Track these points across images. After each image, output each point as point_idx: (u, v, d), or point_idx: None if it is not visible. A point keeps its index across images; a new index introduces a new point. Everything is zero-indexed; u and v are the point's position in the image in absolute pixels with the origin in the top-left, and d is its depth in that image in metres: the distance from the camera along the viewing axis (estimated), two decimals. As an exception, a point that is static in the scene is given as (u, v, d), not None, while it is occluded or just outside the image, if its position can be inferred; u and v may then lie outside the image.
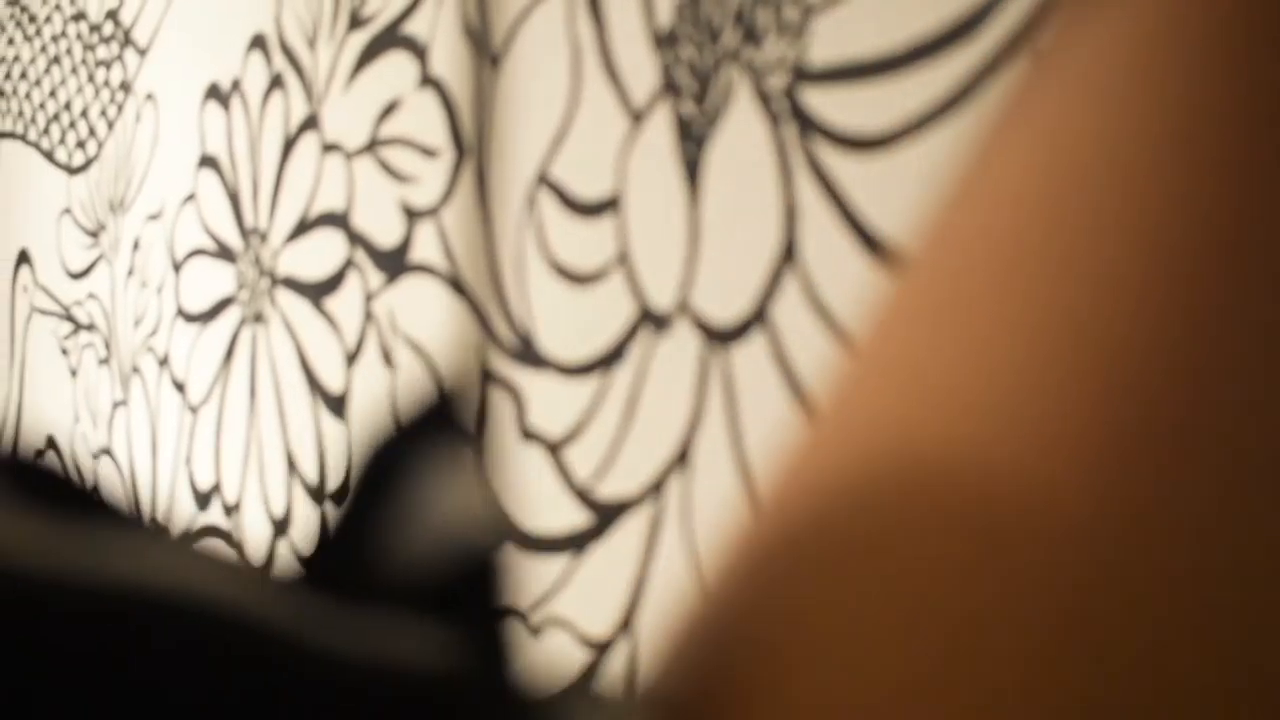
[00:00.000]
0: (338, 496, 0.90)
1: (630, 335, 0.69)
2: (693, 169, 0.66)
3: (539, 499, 0.74)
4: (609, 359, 0.70)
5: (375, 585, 0.22)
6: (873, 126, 0.58)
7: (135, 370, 1.16)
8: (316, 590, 0.22)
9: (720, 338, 0.65)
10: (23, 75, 1.44)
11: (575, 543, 0.71)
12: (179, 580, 0.20)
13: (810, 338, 0.60)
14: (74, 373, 1.28)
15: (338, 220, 0.91)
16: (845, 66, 0.60)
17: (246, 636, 0.19)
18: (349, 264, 0.89)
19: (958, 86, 0.56)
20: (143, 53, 1.18)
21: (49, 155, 1.37)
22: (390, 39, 0.87)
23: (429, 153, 0.83)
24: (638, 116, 0.69)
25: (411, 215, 0.84)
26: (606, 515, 0.70)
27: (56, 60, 1.36)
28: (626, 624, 0.69)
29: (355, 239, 0.89)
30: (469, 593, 0.22)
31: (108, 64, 1.25)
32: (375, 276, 0.87)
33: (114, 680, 0.18)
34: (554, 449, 0.73)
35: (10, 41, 1.47)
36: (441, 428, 0.24)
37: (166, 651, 0.19)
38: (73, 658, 0.18)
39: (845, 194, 0.59)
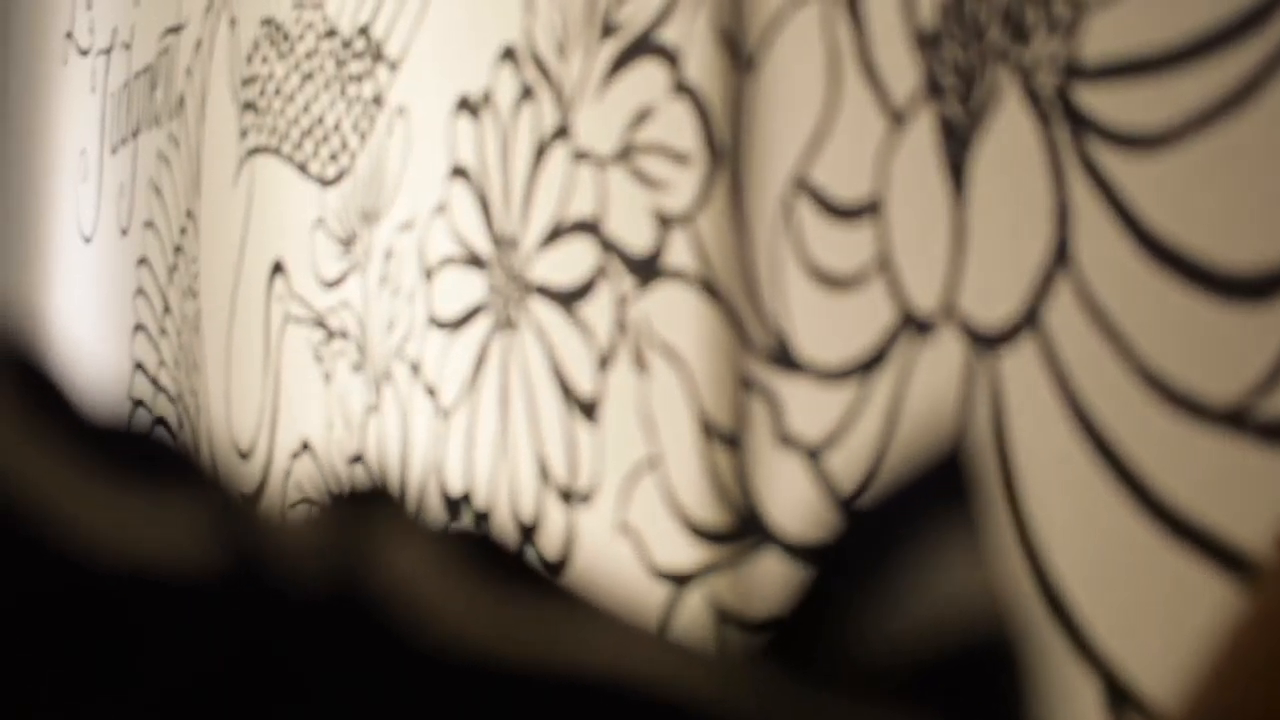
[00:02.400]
0: (586, 498, 0.92)
1: (892, 339, 0.68)
2: (957, 170, 0.65)
3: (797, 505, 0.73)
4: (869, 363, 0.69)
5: (851, 668, 0.20)
6: (1152, 125, 0.57)
7: (387, 376, 1.20)
8: (780, 671, 0.20)
9: (987, 342, 0.63)
10: (277, 92, 1.50)
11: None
12: (632, 664, 0.19)
13: (1086, 342, 0.59)
14: (327, 379, 1.33)
15: (589, 227, 0.92)
16: (1122, 63, 0.58)
17: None
18: (601, 270, 0.90)
19: (1244, 82, 0.54)
20: (394, 67, 1.22)
21: (302, 168, 1.42)
22: (643, 47, 0.88)
23: (682, 159, 0.83)
24: (898, 118, 0.69)
25: (664, 222, 0.85)
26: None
27: (310, 76, 1.41)
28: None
29: (607, 246, 0.90)
30: (972, 689, 0.20)
31: (359, 79, 1.29)
32: (627, 283, 0.88)
33: None
34: (813, 455, 0.73)
35: (264, 60, 1.53)
36: (948, 496, 0.21)
37: None
38: None
39: (1123, 194, 0.58)
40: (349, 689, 0.18)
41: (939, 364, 0.66)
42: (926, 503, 0.22)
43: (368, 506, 0.21)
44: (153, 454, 0.21)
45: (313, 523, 0.20)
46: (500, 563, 0.20)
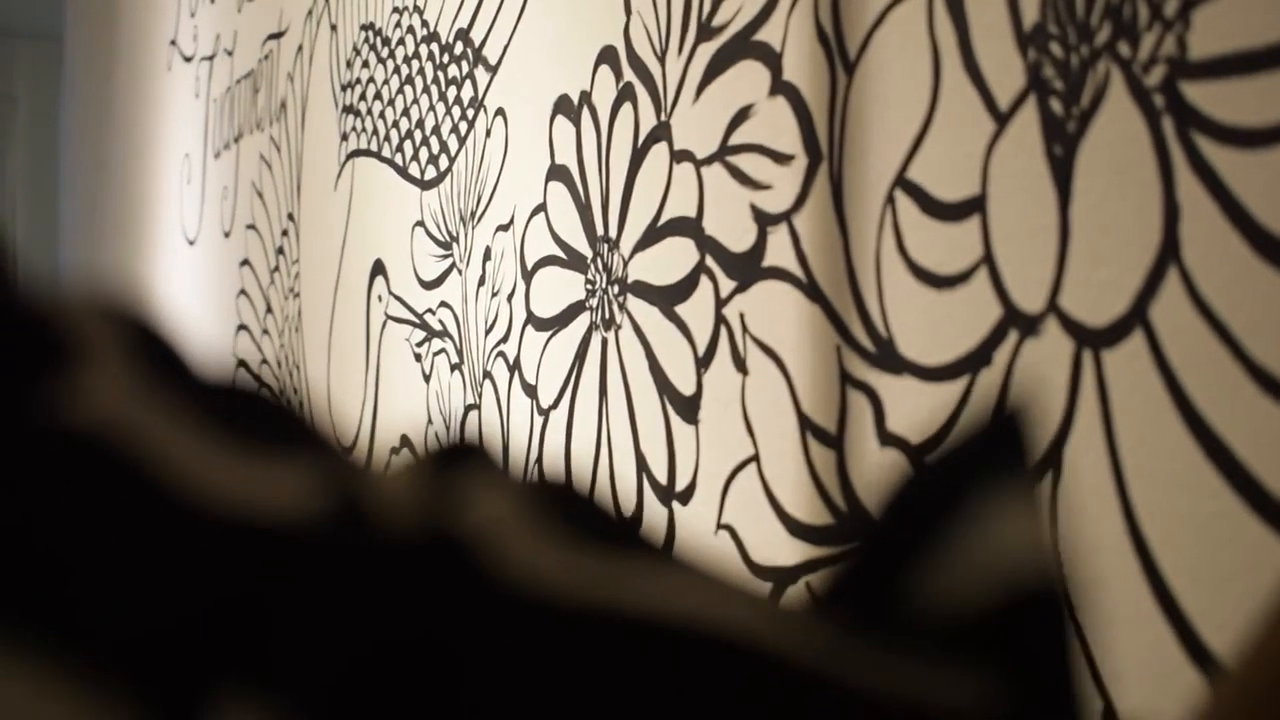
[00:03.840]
0: (685, 496, 0.92)
1: (996, 338, 0.68)
2: (1062, 168, 0.65)
3: (899, 503, 0.73)
4: (973, 363, 0.69)
5: (907, 620, 0.21)
6: (1264, 120, 0.56)
7: (487, 375, 1.21)
8: (841, 622, 0.22)
9: (1093, 341, 0.63)
10: (377, 96, 1.53)
11: (938, 548, 0.71)
12: (703, 610, 0.20)
13: (1195, 340, 0.58)
14: (426, 377, 1.35)
15: (688, 227, 0.92)
16: (1232, 58, 0.57)
17: (772, 671, 0.19)
18: (699, 269, 0.91)
19: (1357, 74, 0.53)
20: (493, 70, 1.23)
21: (402, 171, 1.44)
22: (741, 48, 0.88)
23: (781, 158, 0.84)
24: (1002, 116, 0.68)
25: (764, 221, 0.85)
26: (970, 521, 0.69)
27: (409, 80, 1.43)
28: (990, 631, 0.68)
29: (705, 245, 0.90)
30: (1021, 639, 0.21)
31: (459, 82, 1.31)
32: (726, 282, 0.88)
33: (646, 709, 0.19)
34: (914, 454, 0.73)
35: (365, 64, 1.55)
36: (1001, 456, 0.22)
37: (692, 681, 0.19)
38: (606, 685, 0.19)
39: (1233, 191, 0.57)
40: (440, 627, 0.19)
41: (1044, 362, 0.65)
42: (980, 464, 0.22)
43: (461, 460, 0.22)
44: (266, 413, 0.22)
45: (410, 473, 0.21)
46: (583, 512, 0.21)
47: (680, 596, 0.20)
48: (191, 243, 2.32)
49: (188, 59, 2.38)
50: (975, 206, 0.70)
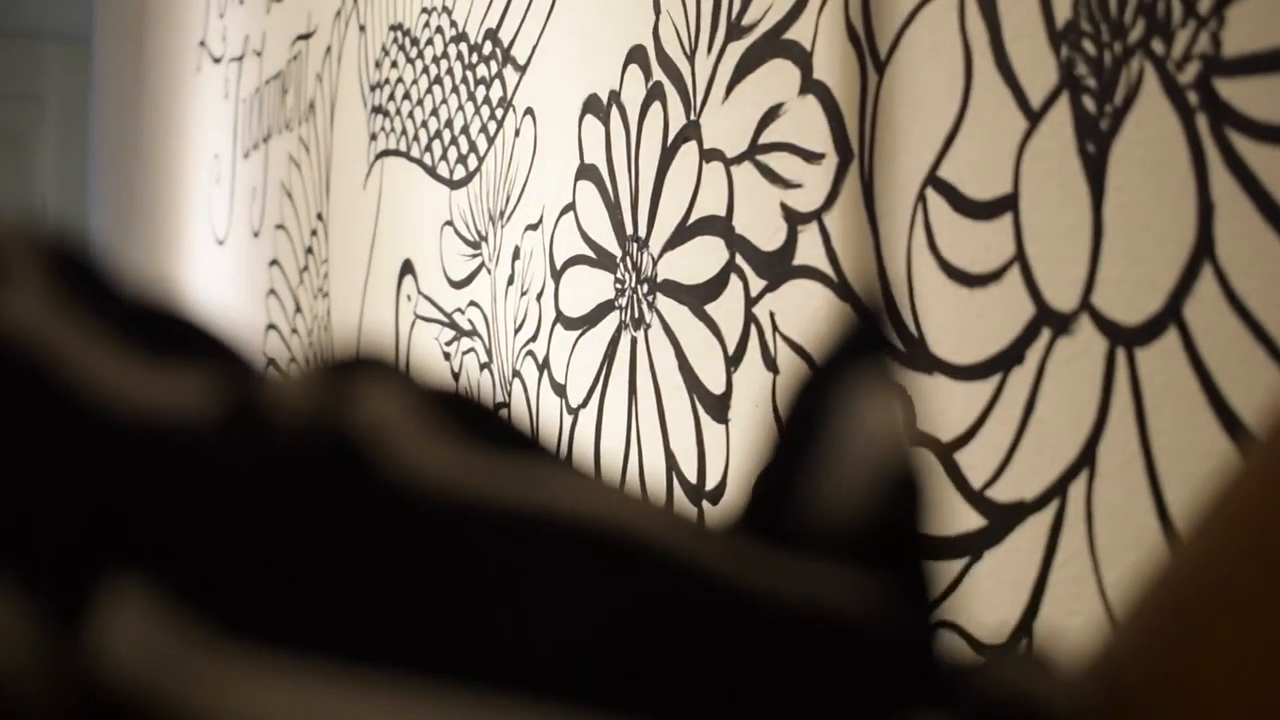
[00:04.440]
0: (715, 495, 0.92)
1: (1028, 337, 0.68)
2: (1095, 166, 0.65)
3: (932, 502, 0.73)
4: (1005, 361, 0.69)
5: (798, 524, 0.22)
6: (1299, 116, 0.56)
7: (516, 374, 1.22)
8: (742, 530, 0.23)
9: (1126, 339, 0.63)
10: (405, 96, 1.53)
11: (969, 547, 0.70)
12: (612, 516, 0.20)
13: (1229, 338, 0.58)
14: (455, 376, 1.35)
15: (718, 226, 0.92)
16: (1266, 54, 0.57)
17: (675, 571, 0.20)
18: (729, 268, 0.91)
19: (1394, 71, 0.53)
20: (522, 69, 1.24)
21: (431, 171, 1.44)
22: (771, 47, 0.88)
23: (812, 157, 0.84)
24: (1034, 114, 0.68)
25: (794, 220, 0.85)
26: (1003, 519, 0.69)
27: (438, 80, 1.44)
28: (1024, 629, 0.68)
29: (735, 244, 0.90)
30: (891, 525, 0.22)
31: (487, 81, 1.31)
32: (756, 281, 0.88)
33: (550, 603, 0.19)
34: (944, 452, 0.72)
35: (394, 64, 1.56)
36: (862, 354, 0.24)
37: (586, 576, 0.19)
38: (511, 579, 0.19)
39: (1268, 189, 0.57)
40: (326, 521, 0.19)
41: (1077, 361, 0.65)
42: (843, 370, 0.23)
43: (359, 366, 0.23)
44: (177, 327, 0.23)
45: (306, 378, 0.22)
46: (478, 416, 0.22)
47: (577, 498, 0.20)
48: (221, 243, 2.33)
49: (217, 60, 2.40)
50: (1007, 205, 0.70)
